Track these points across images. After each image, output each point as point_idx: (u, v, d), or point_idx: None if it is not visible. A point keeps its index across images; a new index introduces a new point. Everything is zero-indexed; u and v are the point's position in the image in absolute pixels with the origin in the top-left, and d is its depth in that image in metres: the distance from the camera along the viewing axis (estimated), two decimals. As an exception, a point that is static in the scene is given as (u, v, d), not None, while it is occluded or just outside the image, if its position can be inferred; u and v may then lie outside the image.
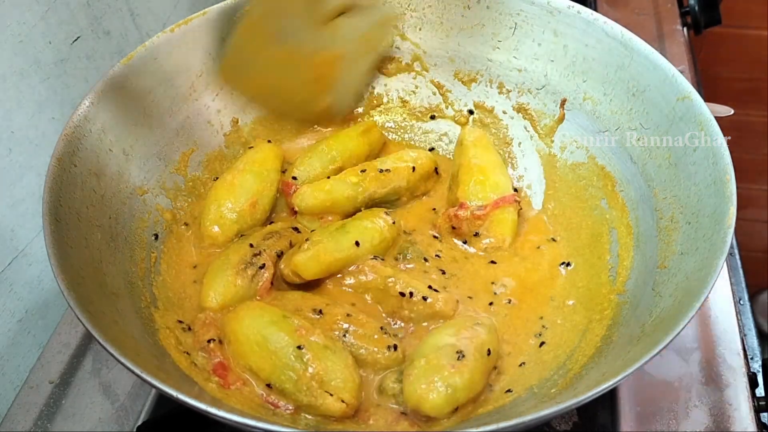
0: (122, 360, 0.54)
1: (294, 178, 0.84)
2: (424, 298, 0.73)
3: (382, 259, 0.77)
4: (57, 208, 0.65)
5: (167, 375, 0.61)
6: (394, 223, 0.80)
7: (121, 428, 0.78)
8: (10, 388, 0.88)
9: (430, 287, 0.74)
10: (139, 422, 0.77)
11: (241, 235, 0.79)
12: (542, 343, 0.73)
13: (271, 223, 0.82)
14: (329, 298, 0.74)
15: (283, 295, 0.74)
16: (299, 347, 0.64)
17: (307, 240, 0.75)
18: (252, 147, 0.87)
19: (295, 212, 0.83)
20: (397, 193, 0.85)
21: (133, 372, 0.54)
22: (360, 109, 0.97)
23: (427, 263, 0.79)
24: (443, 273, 0.78)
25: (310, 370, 0.62)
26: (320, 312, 0.71)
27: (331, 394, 0.62)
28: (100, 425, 0.78)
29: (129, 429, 0.77)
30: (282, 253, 0.76)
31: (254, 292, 0.73)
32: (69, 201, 0.67)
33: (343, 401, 0.62)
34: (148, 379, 0.53)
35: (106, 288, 0.66)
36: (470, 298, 0.77)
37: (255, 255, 0.74)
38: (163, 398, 0.80)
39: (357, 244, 0.76)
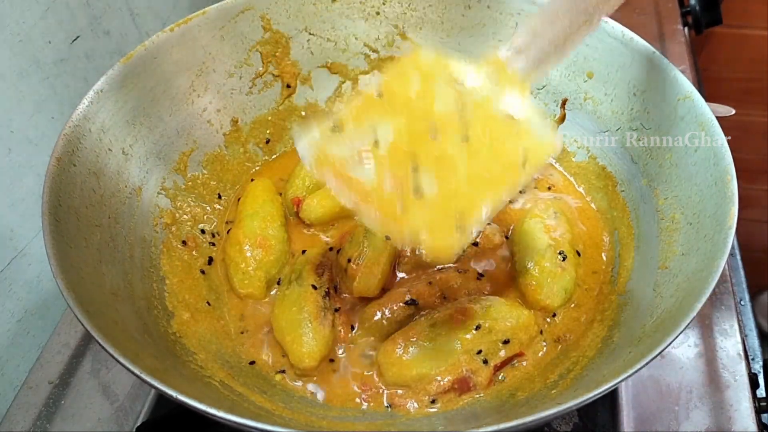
0: (121, 360, 0.54)
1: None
2: (475, 244, 0.78)
3: None
4: (56, 208, 0.64)
5: (167, 375, 0.61)
6: None
7: (121, 428, 0.78)
8: (9, 389, 0.88)
9: None
10: (139, 423, 0.77)
11: (279, 280, 0.78)
12: (545, 343, 0.73)
13: (304, 252, 0.81)
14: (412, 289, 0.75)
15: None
16: None
17: (349, 261, 0.75)
18: (240, 198, 0.86)
19: (307, 224, 0.83)
20: None
21: (132, 372, 0.53)
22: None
23: None
24: None
25: None
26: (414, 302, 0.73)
27: None
28: (100, 426, 0.78)
29: (128, 429, 0.77)
30: (336, 287, 0.77)
31: (336, 337, 0.73)
32: (68, 201, 0.67)
33: None
34: (148, 379, 0.53)
35: (106, 288, 0.66)
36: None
37: (324, 297, 0.74)
38: (162, 399, 0.80)
39: (387, 238, 0.76)
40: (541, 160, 0.63)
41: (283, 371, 0.72)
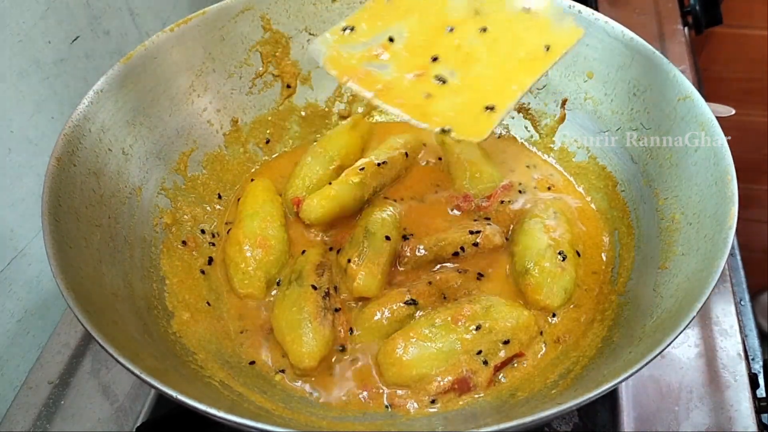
0: (121, 360, 0.54)
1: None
2: (475, 245, 0.78)
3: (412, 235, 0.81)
4: (56, 208, 0.65)
5: (167, 375, 0.61)
6: (395, 200, 0.85)
7: (121, 429, 0.78)
8: (9, 389, 0.88)
9: (471, 231, 0.79)
10: (139, 423, 0.77)
11: (278, 281, 0.78)
12: (545, 344, 0.73)
13: (304, 252, 0.80)
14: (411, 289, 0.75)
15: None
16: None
17: (349, 261, 0.75)
18: (240, 198, 0.86)
19: (307, 224, 0.83)
20: (396, 178, 0.88)
21: (132, 372, 0.53)
22: (360, 110, 0.97)
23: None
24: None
25: None
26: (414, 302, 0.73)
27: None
28: (99, 426, 0.78)
29: (128, 429, 0.77)
30: (336, 287, 0.77)
31: (336, 337, 0.72)
32: (68, 201, 0.67)
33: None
34: (148, 379, 0.53)
35: (106, 288, 0.66)
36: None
37: (324, 297, 0.73)
38: (162, 399, 0.80)
39: (387, 238, 0.77)
40: (566, 45, 0.64)
41: (283, 371, 0.72)
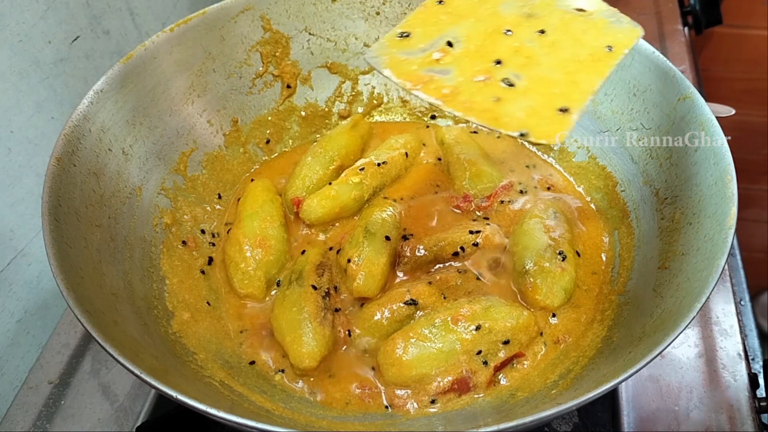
0: (121, 360, 0.54)
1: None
2: (475, 245, 0.78)
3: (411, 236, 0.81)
4: (56, 208, 0.65)
5: (167, 375, 0.61)
6: (395, 200, 0.85)
7: (121, 429, 0.78)
8: (9, 389, 0.88)
9: (471, 231, 0.79)
10: (139, 423, 0.77)
11: (278, 281, 0.78)
12: (545, 344, 0.73)
13: (304, 252, 0.80)
14: (413, 289, 0.75)
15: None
16: None
17: (349, 261, 0.75)
18: (240, 198, 0.86)
19: (307, 224, 0.83)
20: (396, 178, 0.88)
21: (132, 372, 0.53)
22: (360, 110, 0.97)
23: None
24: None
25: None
26: (414, 302, 0.73)
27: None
28: (100, 426, 0.78)
29: (128, 429, 0.77)
30: (336, 287, 0.77)
31: (336, 337, 0.72)
32: (68, 201, 0.67)
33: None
34: (148, 379, 0.53)
35: (106, 288, 0.66)
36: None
37: (324, 297, 0.73)
38: (162, 399, 0.80)
39: (387, 238, 0.77)
40: (626, 45, 0.64)
41: (283, 371, 0.72)
